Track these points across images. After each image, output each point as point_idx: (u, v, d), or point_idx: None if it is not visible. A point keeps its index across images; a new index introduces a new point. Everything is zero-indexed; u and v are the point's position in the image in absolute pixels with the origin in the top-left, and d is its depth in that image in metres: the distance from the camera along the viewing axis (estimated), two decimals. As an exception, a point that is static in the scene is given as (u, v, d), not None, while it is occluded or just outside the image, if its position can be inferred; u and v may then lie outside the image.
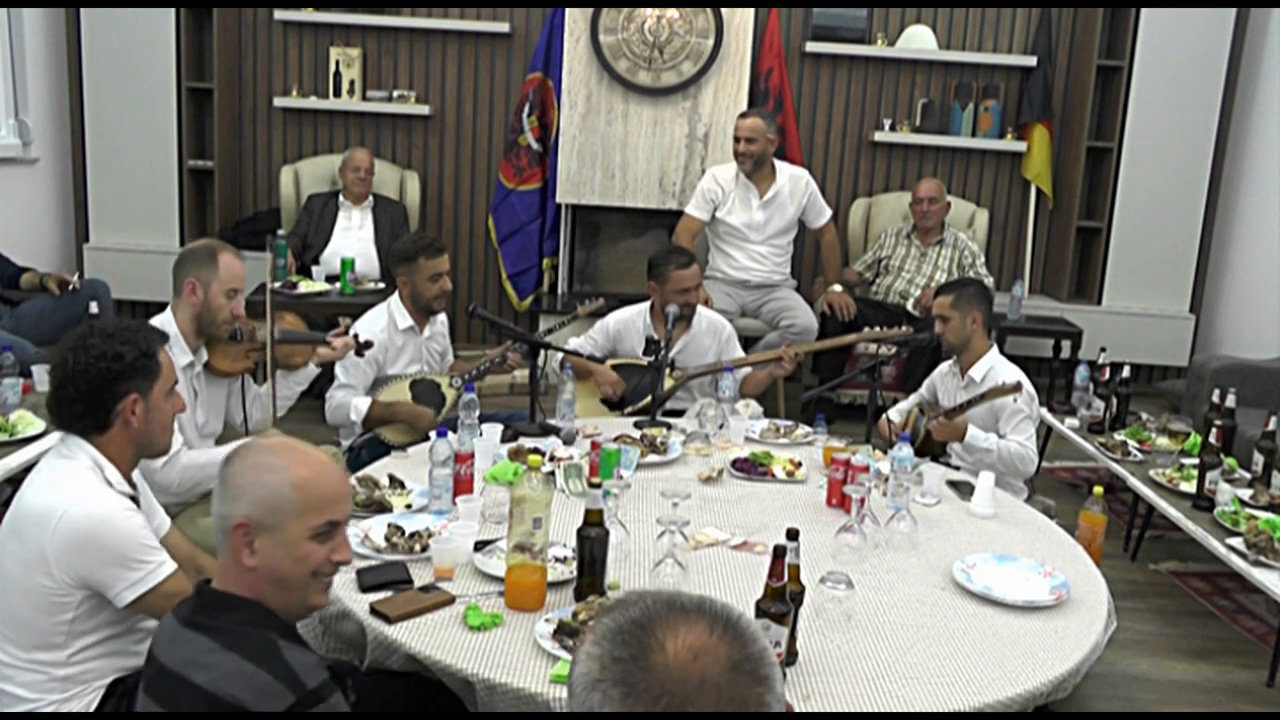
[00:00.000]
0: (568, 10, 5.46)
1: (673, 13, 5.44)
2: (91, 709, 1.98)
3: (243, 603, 1.56)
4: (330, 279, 5.14)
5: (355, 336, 3.48)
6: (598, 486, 2.24)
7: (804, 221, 5.15)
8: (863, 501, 2.55)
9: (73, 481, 1.98)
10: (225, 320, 3.03)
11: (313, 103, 5.94)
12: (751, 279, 5.07)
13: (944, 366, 3.78)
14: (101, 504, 1.95)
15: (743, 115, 5.01)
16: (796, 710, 1.90)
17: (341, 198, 5.38)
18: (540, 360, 3.55)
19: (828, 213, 5.17)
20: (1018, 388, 3.29)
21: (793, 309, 5.02)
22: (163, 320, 2.92)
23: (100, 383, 2.02)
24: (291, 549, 1.57)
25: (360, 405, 3.55)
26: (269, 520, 1.56)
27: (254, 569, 1.56)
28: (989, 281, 5.16)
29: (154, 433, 2.12)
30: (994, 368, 3.54)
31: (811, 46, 5.88)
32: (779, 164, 5.09)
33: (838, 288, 5.21)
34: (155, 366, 2.10)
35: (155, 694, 1.54)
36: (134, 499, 2.05)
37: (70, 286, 4.55)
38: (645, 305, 4.02)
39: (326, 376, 3.68)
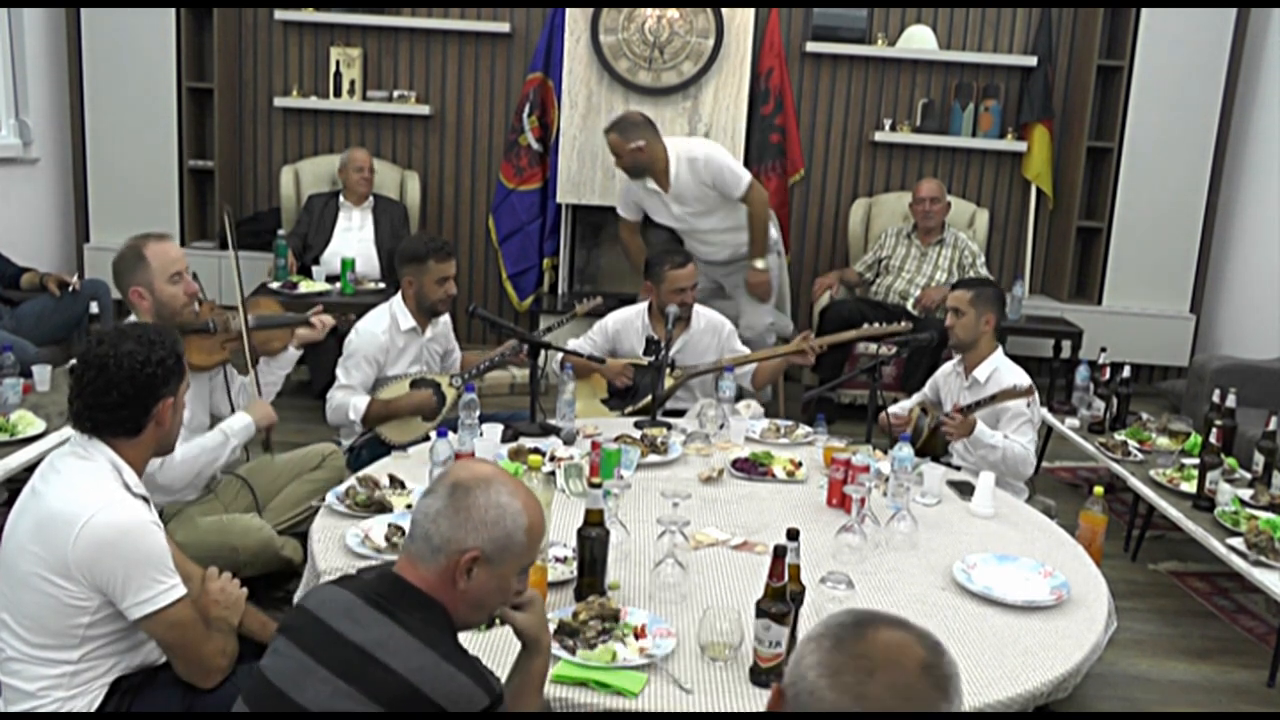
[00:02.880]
0: (568, 10, 5.46)
1: (673, 13, 5.44)
2: (94, 708, 1.99)
3: (430, 602, 1.62)
4: (330, 279, 5.14)
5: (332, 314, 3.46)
6: (598, 486, 2.25)
7: (725, 195, 4.75)
8: (863, 501, 2.56)
9: (96, 485, 1.97)
10: (184, 305, 2.96)
11: (313, 103, 5.94)
12: (717, 256, 4.90)
13: (947, 366, 3.78)
14: (127, 513, 1.95)
15: (605, 130, 4.73)
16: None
17: (342, 198, 5.38)
18: (540, 360, 3.55)
19: (743, 180, 4.64)
20: (1030, 391, 3.30)
21: (745, 314, 4.87)
22: None
23: (146, 388, 2.03)
24: (502, 582, 1.67)
25: (359, 404, 3.55)
26: (496, 557, 1.64)
27: (462, 591, 1.63)
28: (990, 282, 5.16)
29: (175, 432, 2.16)
30: (998, 369, 3.55)
31: (812, 46, 5.88)
32: (671, 150, 4.65)
33: (759, 264, 4.77)
34: (184, 368, 2.13)
35: (333, 664, 1.55)
36: (145, 499, 2.06)
37: (70, 287, 4.55)
38: (644, 305, 4.02)
39: (328, 377, 3.67)
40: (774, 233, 4.89)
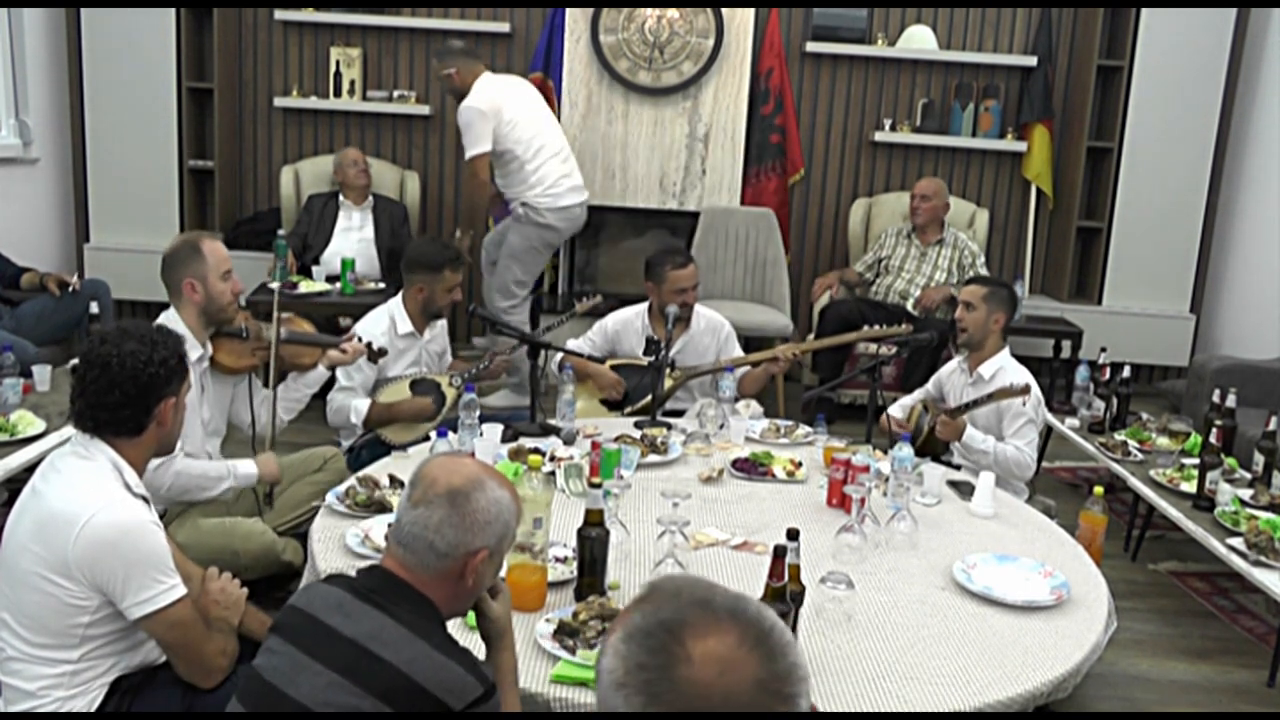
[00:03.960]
0: (568, 10, 5.46)
1: (673, 13, 5.44)
2: (94, 708, 1.99)
3: (419, 596, 1.65)
4: (330, 279, 5.13)
5: (369, 345, 3.47)
6: (598, 486, 2.25)
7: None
8: (863, 501, 2.56)
9: (97, 485, 1.97)
10: (230, 302, 3.05)
11: (313, 103, 5.94)
12: None
13: (952, 363, 3.79)
14: (128, 513, 1.95)
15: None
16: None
17: (341, 197, 5.38)
18: (540, 360, 3.55)
19: (469, 150, 4.73)
20: (1026, 390, 3.30)
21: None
22: (168, 319, 2.92)
23: (148, 388, 2.04)
24: (497, 569, 1.76)
25: (360, 407, 3.55)
26: (497, 549, 1.71)
27: (470, 587, 1.68)
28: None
29: (176, 433, 2.16)
30: (1004, 368, 3.55)
31: (812, 46, 5.88)
32: (474, 89, 4.77)
33: (457, 233, 4.94)
34: (186, 369, 2.14)
35: (326, 658, 1.57)
36: (145, 499, 2.06)
37: (70, 287, 4.55)
38: (644, 306, 4.02)
39: (328, 378, 3.67)
40: (540, 202, 4.83)
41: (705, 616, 0.99)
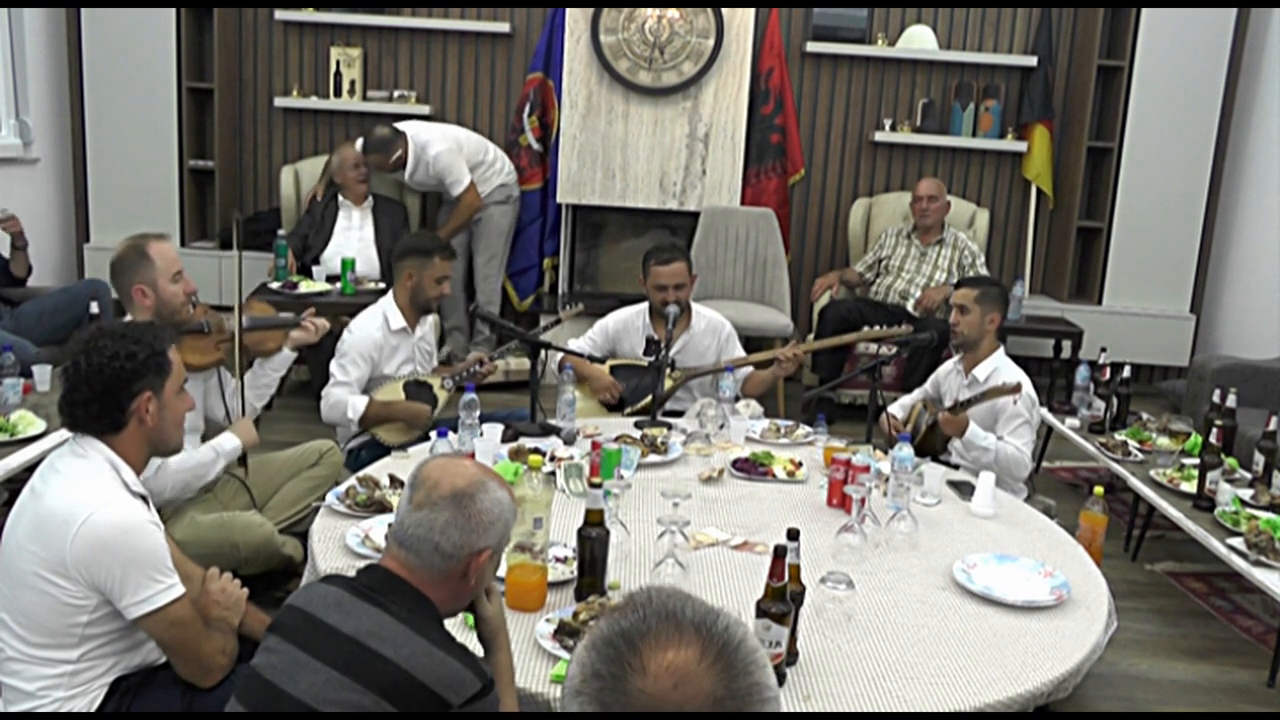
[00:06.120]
0: (568, 10, 5.46)
1: (673, 13, 5.44)
2: (94, 708, 1.99)
3: (416, 593, 1.66)
4: (330, 279, 5.13)
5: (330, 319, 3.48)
6: (598, 486, 2.25)
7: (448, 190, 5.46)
8: (863, 501, 2.56)
9: (94, 485, 1.97)
10: (183, 303, 3.02)
11: (313, 103, 5.93)
12: None
13: (949, 365, 3.80)
14: (125, 513, 1.95)
15: (365, 153, 5.28)
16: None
17: (341, 198, 5.38)
18: (540, 360, 3.55)
19: (460, 184, 5.37)
20: (1017, 388, 3.30)
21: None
22: None
23: (115, 382, 2.02)
24: (495, 569, 1.77)
25: (357, 404, 3.55)
26: (498, 547, 1.73)
27: (471, 586, 1.71)
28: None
29: (167, 430, 2.13)
30: (998, 369, 3.56)
31: (812, 46, 5.88)
32: (410, 140, 5.30)
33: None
34: (167, 364, 2.11)
35: (325, 656, 1.58)
36: (144, 498, 2.06)
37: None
38: (645, 305, 4.01)
39: (326, 377, 3.67)
40: (506, 179, 5.62)
41: (667, 628, 0.97)
